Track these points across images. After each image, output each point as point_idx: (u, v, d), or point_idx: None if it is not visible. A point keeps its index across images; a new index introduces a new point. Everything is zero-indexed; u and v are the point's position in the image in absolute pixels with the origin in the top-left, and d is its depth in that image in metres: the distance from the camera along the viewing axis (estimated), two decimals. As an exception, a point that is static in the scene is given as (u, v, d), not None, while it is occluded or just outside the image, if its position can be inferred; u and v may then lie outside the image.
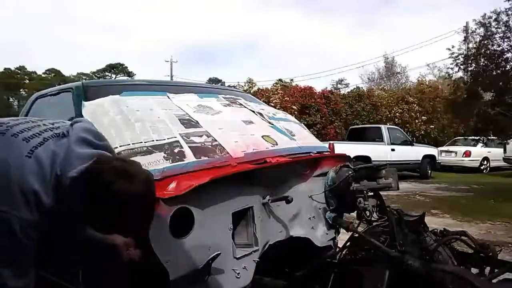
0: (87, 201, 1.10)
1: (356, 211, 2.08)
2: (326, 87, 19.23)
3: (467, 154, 14.08)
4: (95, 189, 1.09)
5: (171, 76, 34.79)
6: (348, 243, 2.09)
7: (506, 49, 8.97)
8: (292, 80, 20.13)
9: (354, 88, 21.57)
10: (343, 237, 2.21)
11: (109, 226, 1.14)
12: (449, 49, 9.91)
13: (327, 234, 2.22)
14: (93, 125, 1.33)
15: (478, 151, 14.17)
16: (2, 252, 1.07)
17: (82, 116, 1.87)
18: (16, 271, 1.08)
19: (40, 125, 1.22)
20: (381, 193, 2.09)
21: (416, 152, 12.01)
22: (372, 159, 9.83)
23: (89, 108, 1.92)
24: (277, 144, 2.11)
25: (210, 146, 1.84)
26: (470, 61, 9.66)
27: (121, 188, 1.08)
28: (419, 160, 12.01)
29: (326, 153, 2.42)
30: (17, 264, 1.09)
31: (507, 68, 8.92)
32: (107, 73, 45.15)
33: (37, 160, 1.11)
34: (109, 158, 1.19)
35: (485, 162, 14.50)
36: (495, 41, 9.07)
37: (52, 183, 1.11)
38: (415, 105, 18.11)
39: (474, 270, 1.85)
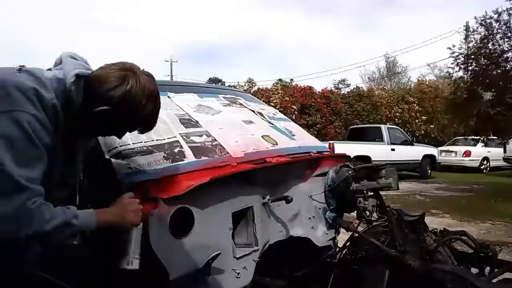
0: (91, 105, 1.16)
1: (356, 211, 2.08)
2: (326, 87, 19.24)
3: (467, 154, 14.09)
4: (102, 90, 1.17)
5: (171, 76, 34.75)
6: (348, 243, 2.09)
7: (506, 49, 8.98)
8: (292, 80, 20.16)
9: (354, 88, 21.59)
10: (343, 237, 2.21)
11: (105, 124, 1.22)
12: (449, 48, 9.93)
13: (327, 234, 2.22)
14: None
15: (478, 151, 14.18)
16: (17, 148, 1.04)
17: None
18: (21, 160, 1.04)
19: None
20: (381, 193, 2.09)
21: (416, 152, 12.01)
22: (372, 159, 9.82)
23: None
24: (277, 144, 2.11)
25: (210, 146, 1.84)
26: (470, 61, 9.67)
27: (131, 88, 1.18)
28: (419, 160, 12.02)
29: (326, 153, 2.42)
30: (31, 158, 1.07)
31: (507, 68, 8.93)
32: (107, 73, 45.05)
33: (28, 72, 1.15)
34: (110, 64, 1.27)
35: (485, 162, 14.50)
36: (495, 41, 9.08)
37: (53, 85, 1.15)
38: (415, 105, 18.12)
39: (474, 270, 1.85)
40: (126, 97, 1.18)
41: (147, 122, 1.30)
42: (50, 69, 1.26)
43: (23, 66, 1.21)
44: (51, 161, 1.14)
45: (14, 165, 1.01)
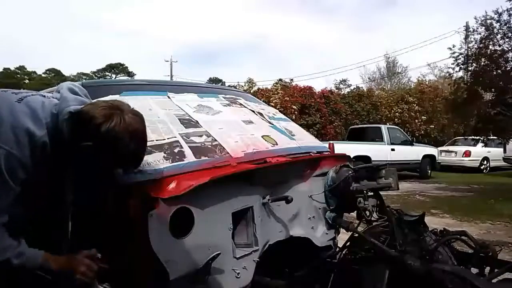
0: (82, 138, 1.17)
1: (356, 211, 2.07)
2: (326, 87, 19.23)
3: (467, 154, 14.09)
4: (88, 127, 1.18)
5: (171, 76, 34.79)
6: (348, 243, 2.09)
7: (506, 49, 8.98)
8: (292, 80, 20.12)
9: (354, 88, 21.59)
10: (343, 237, 2.21)
11: (99, 164, 1.24)
12: (450, 48, 9.94)
13: (327, 234, 2.22)
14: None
15: (478, 151, 14.18)
16: None
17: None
18: None
19: (27, 91, 1.32)
20: (381, 193, 2.08)
21: (416, 152, 12.01)
22: (372, 159, 9.83)
23: (89, 108, 1.92)
24: (277, 144, 2.11)
25: (210, 146, 1.84)
26: (470, 61, 9.67)
27: (113, 126, 1.18)
28: (419, 160, 12.02)
29: (326, 153, 2.42)
30: None
31: (507, 68, 8.92)
32: (107, 73, 45.13)
33: (27, 104, 1.19)
34: (100, 101, 1.30)
35: (485, 162, 14.50)
36: (495, 41, 9.08)
37: (46, 121, 1.19)
38: (415, 105, 18.11)
39: (474, 270, 1.84)
40: (109, 134, 1.18)
41: (130, 160, 1.29)
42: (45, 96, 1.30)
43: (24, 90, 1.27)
44: (34, 193, 1.19)
45: None
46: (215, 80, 39.55)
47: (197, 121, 2.00)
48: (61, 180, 1.34)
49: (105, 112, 1.20)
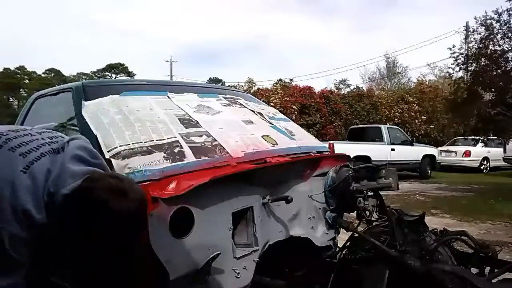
0: (79, 218, 1.10)
1: (356, 211, 2.08)
2: (326, 87, 19.24)
3: (467, 154, 14.09)
4: (86, 206, 1.09)
5: (171, 76, 34.81)
6: (348, 243, 2.09)
7: (506, 49, 8.98)
8: (292, 80, 20.14)
9: (354, 88, 21.61)
10: (343, 237, 2.21)
11: (99, 243, 1.13)
12: (450, 48, 9.94)
13: (327, 234, 2.22)
14: (89, 143, 1.32)
15: (478, 151, 14.18)
16: None
17: (81, 116, 1.87)
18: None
19: (38, 138, 1.23)
20: (381, 193, 2.09)
21: (416, 152, 12.01)
22: (372, 159, 9.83)
23: (89, 108, 1.92)
24: (277, 144, 2.11)
25: (210, 146, 1.84)
26: (470, 61, 9.68)
27: (113, 206, 1.08)
28: (419, 160, 12.01)
29: (326, 153, 2.42)
30: (4, 268, 1.08)
31: (507, 68, 8.92)
32: (107, 73, 45.10)
33: (32, 176, 1.12)
34: (102, 175, 1.19)
35: (485, 162, 14.50)
36: (495, 41, 9.08)
37: (45, 200, 1.11)
38: (415, 105, 18.12)
39: (474, 270, 1.85)
40: (105, 217, 1.09)
41: (121, 240, 1.16)
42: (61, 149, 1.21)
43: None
44: (33, 272, 1.14)
45: None
46: (215, 80, 39.57)
47: (197, 121, 2.00)
48: (59, 257, 1.26)
49: (103, 195, 1.10)
